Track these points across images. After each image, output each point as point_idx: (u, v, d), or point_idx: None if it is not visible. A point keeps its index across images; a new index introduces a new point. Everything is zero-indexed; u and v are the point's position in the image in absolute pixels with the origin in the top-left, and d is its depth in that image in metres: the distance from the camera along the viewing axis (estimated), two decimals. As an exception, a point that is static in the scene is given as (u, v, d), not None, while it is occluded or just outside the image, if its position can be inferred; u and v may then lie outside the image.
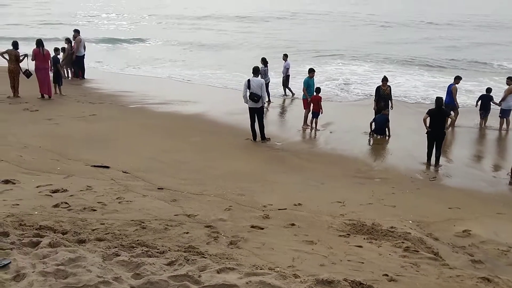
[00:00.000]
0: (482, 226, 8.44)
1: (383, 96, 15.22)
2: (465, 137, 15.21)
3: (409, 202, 9.68)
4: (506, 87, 15.54)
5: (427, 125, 12.47)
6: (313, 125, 15.37)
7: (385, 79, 15.42)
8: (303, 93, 16.01)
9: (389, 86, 15.49)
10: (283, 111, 18.35)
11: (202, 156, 12.09)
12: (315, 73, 16.51)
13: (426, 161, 12.49)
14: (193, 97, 19.40)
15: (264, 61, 18.90)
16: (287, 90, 20.22)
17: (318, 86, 16.05)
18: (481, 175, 11.92)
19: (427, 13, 57.30)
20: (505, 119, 15.44)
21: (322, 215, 8.37)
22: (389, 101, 15.23)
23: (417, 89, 22.13)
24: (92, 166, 10.25)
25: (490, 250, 7.47)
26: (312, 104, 15.36)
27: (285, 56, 20.25)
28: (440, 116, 12.38)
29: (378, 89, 15.46)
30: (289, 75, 20.03)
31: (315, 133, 15.13)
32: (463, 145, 14.49)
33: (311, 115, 15.41)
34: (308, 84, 15.78)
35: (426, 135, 12.53)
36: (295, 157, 12.65)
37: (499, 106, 15.52)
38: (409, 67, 27.72)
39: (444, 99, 14.38)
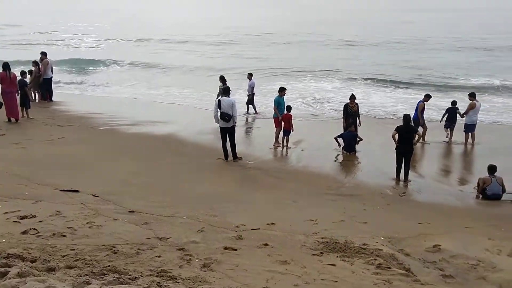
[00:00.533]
0: (451, 240, 8.59)
1: (351, 114, 15.54)
2: (433, 152, 15.53)
3: (380, 218, 9.81)
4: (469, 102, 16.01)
5: (396, 140, 12.72)
6: (285, 143, 15.49)
7: (352, 97, 15.80)
8: (274, 111, 16.10)
9: (357, 104, 15.83)
10: (253, 129, 18.41)
11: (173, 178, 12.01)
12: (286, 91, 16.73)
13: (395, 176, 12.71)
14: (163, 118, 19.32)
15: (222, 79, 19.35)
16: (250, 107, 20.35)
17: (288, 104, 16.22)
18: (449, 189, 12.19)
19: (397, 32, 58.67)
20: (469, 133, 15.86)
21: (295, 234, 8.38)
22: (357, 118, 15.54)
23: (386, 105, 22.59)
24: (61, 190, 10.04)
25: (460, 265, 7.61)
26: (283, 122, 15.49)
27: (250, 75, 20.61)
28: (408, 132, 12.69)
29: (346, 106, 15.78)
30: (253, 94, 20.20)
31: (287, 151, 15.24)
32: (431, 160, 14.79)
33: (282, 133, 15.53)
34: (279, 103, 15.92)
35: (395, 150, 12.77)
36: (267, 176, 12.70)
37: (462, 117, 15.96)
38: (379, 83, 28.33)
39: (412, 115, 14.83)
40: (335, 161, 14.46)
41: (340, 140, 15.15)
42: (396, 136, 12.73)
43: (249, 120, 19.68)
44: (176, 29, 62.76)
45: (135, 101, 24.03)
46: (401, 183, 12.51)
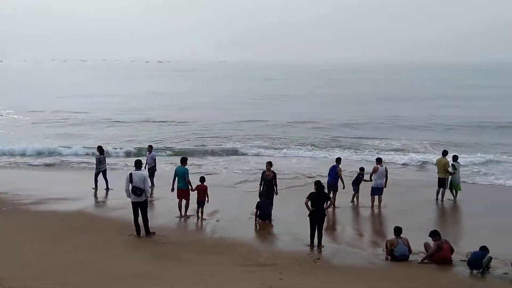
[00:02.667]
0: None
1: (266, 181, 15.60)
2: (344, 216, 16.04)
3: (296, 287, 9.84)
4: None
5: (309, 207, 12.95)
6: (199, 214, 15.29)
7: (269, 164, 15.92)
8: (174, 182, 15.46)
9: (274, 172, 15.90)
10: (164, 202, 17.70)
11: (83, 257, 11.38)
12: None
13: (309, 243, 12.91)
14: (70, 194, 18.26)
15: (100, 149, 19.26)
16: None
17: (202, 175, 16.17)
18: (361, 252, 12.57)
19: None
20: (375, 196, 16.65)
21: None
22: (274, 186, 15.64)
23: (303, 169, 23.26)
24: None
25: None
26: (197, 194, 15.29)
27: (150, 148, 20.43)
28: (321, 199, 12.96)
29: (263, 174, 15.88)
30: (155, 166, 19.92)
31: (202, 222, 15.03)
32: (343, 224, 15.27)
33: (197, 204, 15.32)
34: (183, 173, 15.46)
35: (308, 217, 13.02)
36: (182, 250, 12.40)
37: (370, 181, 16.76)
38: (299, 147, 29.45)
39: (327, 180, 15.51)
40: (252, 230, 14.47)
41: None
42: (309, 203, 12.97)
43: (154, 192, 19.04)
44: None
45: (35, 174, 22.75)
46: (315, 249, 12.71)
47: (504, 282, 10.49)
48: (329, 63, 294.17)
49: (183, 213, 15.38)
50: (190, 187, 15.29)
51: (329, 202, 13.43)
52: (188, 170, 15.51)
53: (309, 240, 12.94)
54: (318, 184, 13.16)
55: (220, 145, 30.24)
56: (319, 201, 12.89)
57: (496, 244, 11.59)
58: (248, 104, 54.96)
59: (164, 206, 16.48)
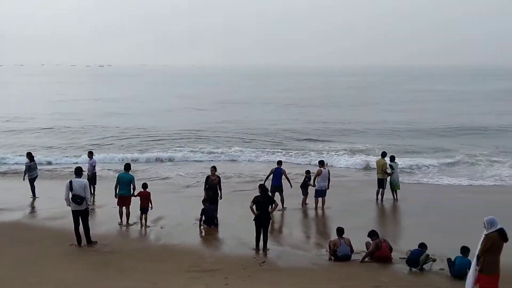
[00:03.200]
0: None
1: (211, 186, 15.51)
2: (289, 219, 16.21)
3: (242, 291, 9.85)
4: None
5: (254, 211, 12.99)
6: (143, 221, 15.01)
7: (213, 168, 15.82)
8: (116, 189, 15.06)
9: (218, 177, 15.82)
10: (105, 210, 17.16)
11: (21, 271, 10.93)
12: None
13: (255, 246, 12.97)
14: (6, 204, 17.46)
15: (29, 156, 18.75)
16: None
17: (145, 182, 15.87)
18: (305, 254, 12.75)
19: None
20: (319, 198, 16.97)
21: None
22: (219, 191, 15.57)
23: (248, 172, 23.34)
24: None
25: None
26: (140, 200, 14.99)
27: (91, 154, 19.86)
28: (265, 203, 13.02)
29: (207, 178, 15.75)
30: (95, 173, 19.45)
31: (145, 230, 14.76)
32: (288, 226, 15.43)
33: (140, 211, 15.03)
34: (128, 180, 15.18)
35: (253, 221, 13.07)
36: (125, 259, 12.12)
37: (313, 186, 17.04)
38: (244, 150, 29.35)
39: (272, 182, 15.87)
40: (197, 235, 14.38)
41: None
42: (254, 207, 13.02)
43: (96, 200, 18.47)
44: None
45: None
46: (261, 252, 12.79)
47: (441, 278, 10.95)
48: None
49: (124, 221, 15.06)
50: (132, 193, 15.03)
51: (274, 205, 13.50)
52: (133, 176, 15.26)
53: (255, 243, 13.00)
54: (262, 187, 13.25)
55: (166, 151, 29.63)
56: (264, 205, 12.95)
57: (432, 242, 12.05)
58: (189, 110, 54.29)
59: (106, 214, 16.06)
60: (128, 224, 15.05)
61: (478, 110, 51.01)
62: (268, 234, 13.18)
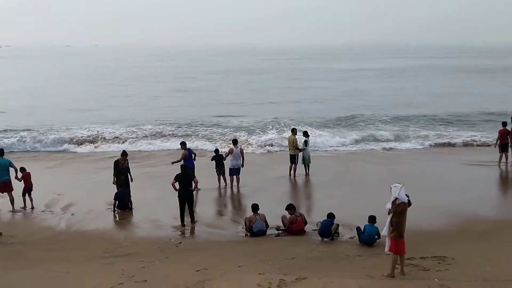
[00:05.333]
0: (227, 282, 9.07)
1: (121, 170, 15.24)
2: (205, 198, 16.17)
3: (159, 273, 9.79)
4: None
5: (176, 187, 13.42)
6: (29, 203, 14.74)
7: (124, 153, 15.64)
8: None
9: (127, 160, 15.62)
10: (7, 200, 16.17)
11: None
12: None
13: (180, 222, 13.32)
14: None
15: None
16: None
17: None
18: (222, 232, 12.90)
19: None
20: (234, 176, 17.14)
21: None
22: (128, 174, 15.35)
23: (159, 156, 22.88)
24: None
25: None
26: (24, 182, 14.80)
27: None
28: (187, 179, 13.58)
29: (116, 163, 15.41)
30: None
31: (32, 210, 14.35)
32: (204, 205, 15.41)
33: (25, 192, 14.79)
34: (5, 165, 14.54)
35: (177, 198, 13.41)
36: (34, 249, 11.59)
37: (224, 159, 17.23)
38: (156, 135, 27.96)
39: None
40: (111, 220, 14.02)
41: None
42: (176, 184, 13.45)
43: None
44: None
45: None
46: (187, 226, 13.24)
47: (351, 246, 11.54)
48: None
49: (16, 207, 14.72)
50: (16, 176, 14.77)
51: (195, 182, 13.98)
52: (10, 160, 14.99)
53: (180, 220, 13.41)
54: (183, 167, 14.01)
55: (72, 135, 27.78)
56: (186, 181, 13.50)
57: (342, 212, 12.68)
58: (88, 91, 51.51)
59: (7, 204, 15.15)
60: (14, 210, 14.66)
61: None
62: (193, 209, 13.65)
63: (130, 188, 15.21)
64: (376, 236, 11.35)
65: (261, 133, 27.35)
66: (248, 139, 25.94)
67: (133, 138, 26.41)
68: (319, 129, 28.05)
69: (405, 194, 9.25)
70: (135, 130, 27.87)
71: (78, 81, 63.51)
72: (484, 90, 46.79)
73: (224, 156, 17.31)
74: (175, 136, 26.63)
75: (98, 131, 27.39)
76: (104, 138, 26.43)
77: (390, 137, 25.68)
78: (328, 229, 11.88)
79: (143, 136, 26.83)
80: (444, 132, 26.92)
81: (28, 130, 27.78)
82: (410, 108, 35.39)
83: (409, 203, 9.32)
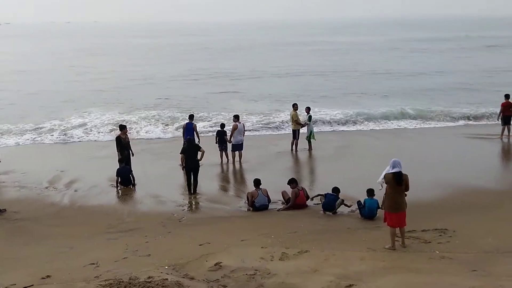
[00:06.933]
0: (230, 256, 9.12)
1: (124, 145, 15.22)
2: (208, 173, 16.14)
3: (163, 248, 9.88)
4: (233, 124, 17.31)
5: (184, 161, 14.19)
6: None
7: (123, 127, 15.69)
8: None
9: (127, 135, 15.64)
10: (12, 176, 15.80)
11: None
12: None
13: (187, 191, 13.91)
14: None
15: None
16: None
17: None
18: (224, 207, 12.99)
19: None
20: (236, 152, 17.14)
21: (75, 282, 7.90)
22: (130, 149, 15.36)
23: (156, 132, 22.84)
24: None
25: (240, 277, 8.11)
26: None
27: None
28: (193, 151, 14.14)
29: (118, 138, 15.36)
30: None
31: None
32: (207, 180, 15.41)
33: None
34: None
35: (184, 169, 14.28)
36: (38, 225, 11.70)
37: (230, 142, 17.14)
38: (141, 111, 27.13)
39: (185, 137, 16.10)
40: (114, 196, 14.11)
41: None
42: (183, 156, 14.18)
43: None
44: None
45: None
46: (192, 196, 13.63)
47: (352, 219, 11.61)
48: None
49: None
50: None
51: (201, 152, 14.24)
52: None
53: (187, 189, 14.01)
54: (189, 139, 14.92)
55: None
56: (192, 152, 14.08)
57: (343, 186, 12.67)
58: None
59: (13, 180, 15.24)
60: None
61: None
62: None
63: (131, 164, 15.23)
64: (377, 207, 11.35)
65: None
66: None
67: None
68: (323, 105, 27.87)
69: (398, 165, 9.26)
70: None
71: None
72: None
73: (229, 134, 17.16)
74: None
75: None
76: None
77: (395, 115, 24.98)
78: (333, 204, 11.93)
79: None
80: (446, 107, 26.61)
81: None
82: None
83: (397, 178, 9.26)
